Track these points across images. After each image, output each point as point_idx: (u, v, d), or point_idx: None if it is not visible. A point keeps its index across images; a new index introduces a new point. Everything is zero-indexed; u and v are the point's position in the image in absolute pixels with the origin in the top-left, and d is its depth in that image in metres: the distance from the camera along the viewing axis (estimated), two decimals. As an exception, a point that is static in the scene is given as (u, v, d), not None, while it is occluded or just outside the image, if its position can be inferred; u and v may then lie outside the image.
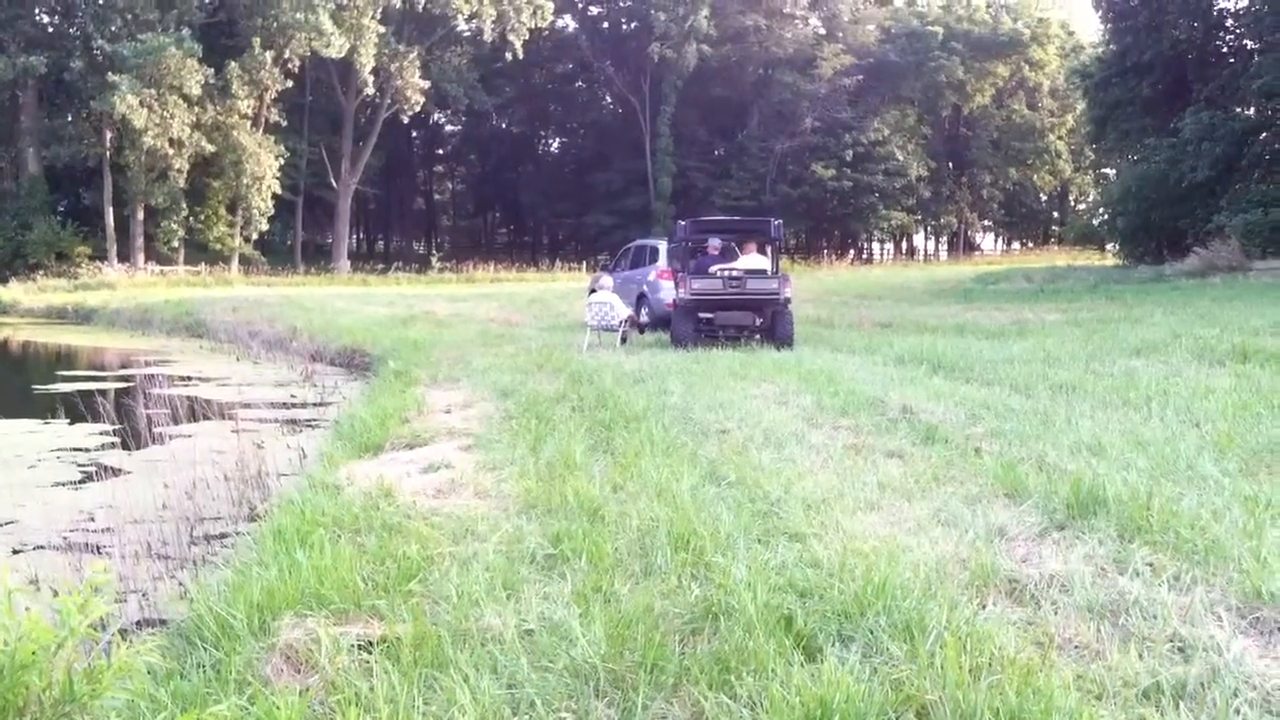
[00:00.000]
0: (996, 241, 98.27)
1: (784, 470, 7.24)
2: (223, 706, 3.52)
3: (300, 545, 5.75)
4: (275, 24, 53.54)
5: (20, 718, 3.16)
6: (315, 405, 15.35)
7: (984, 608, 4.61)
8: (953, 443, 8.08)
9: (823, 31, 77.21)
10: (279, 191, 57.20)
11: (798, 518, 5.95)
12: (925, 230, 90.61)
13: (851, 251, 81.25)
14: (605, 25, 78.68)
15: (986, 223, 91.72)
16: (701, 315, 17.13)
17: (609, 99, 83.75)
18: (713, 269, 17.56)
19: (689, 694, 3.89)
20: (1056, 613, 4.51)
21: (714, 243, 18.56)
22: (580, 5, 77.71)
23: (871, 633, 4.27)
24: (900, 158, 73.18)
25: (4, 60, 49.37)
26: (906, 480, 6.94)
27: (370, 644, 4.44)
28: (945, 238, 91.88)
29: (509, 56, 63.45)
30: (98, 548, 7.52)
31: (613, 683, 4.00)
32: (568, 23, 78.14)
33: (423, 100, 62.27)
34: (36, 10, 54.98)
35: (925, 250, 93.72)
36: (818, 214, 75.51)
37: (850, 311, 24.68)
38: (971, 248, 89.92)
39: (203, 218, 56.07)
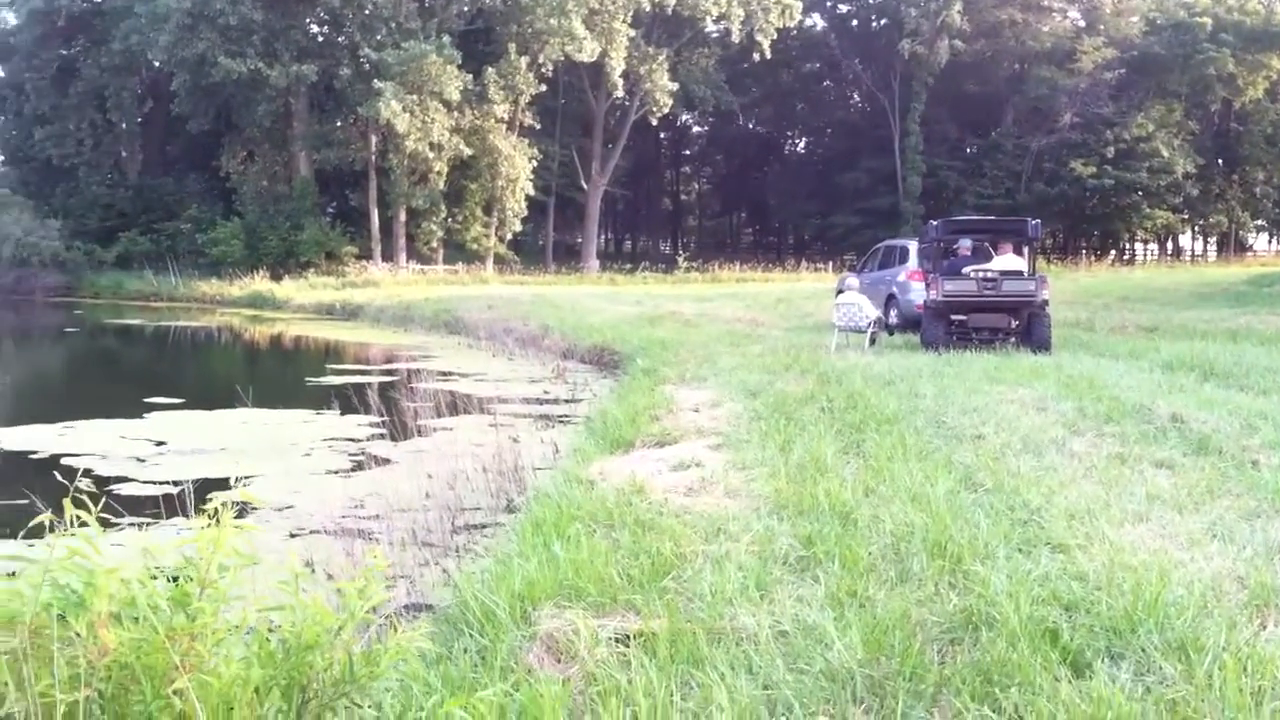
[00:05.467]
0: (1271, 241, 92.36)
1: (1044, 479, 7.02)
2: (489, 692, 3.63)
3: (557, 538, 5.91)
4: (530, 30, 55.03)
5: (303, 695, 3.34)
6: (567, 401, 15.74)
7: (1265, 629, 4.37)
8: (1227, 454, 7.67)
9: (1082, 24, 74.28)
10: (532, 193, 58.78)
11: (1060, 528, 5.76)
12: (1192, 230, 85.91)
13: (1112, 252, 77.85)
14: (854, 23, 77.70)
15: (1260, 222, 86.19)
16: (954, 317, 16.73)
17: (857, 97, 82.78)
18: (966, 270, 17.11)
19: (949, 704, 3.80)
20: (1349, 639, 4.23)
21: (965, 243, 18.09)
22: (829, 4, 77.00)
23: (1143, 650, 4.10)
24: (1165, 154, 69.41)
25: (279, 69, 52.34)
26: (1177, 492, 6.62)
27: (627, 638, 4.52)
28: (1214, 238, 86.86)
29: (756, 57, 63.49)
30: (367, 534, 7.91)
31: (870, 689, 3.96)
32: (816, 21, 77.50)
33: (670, 102, 62.81)
34: (307, 21, 58.13)
35: (1192, 251, 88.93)
36: (1075, 213, 72.60)
37: (1112, 315, 23.63)
38: (1243, 248, 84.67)
39: (460, 219, 58.08)
